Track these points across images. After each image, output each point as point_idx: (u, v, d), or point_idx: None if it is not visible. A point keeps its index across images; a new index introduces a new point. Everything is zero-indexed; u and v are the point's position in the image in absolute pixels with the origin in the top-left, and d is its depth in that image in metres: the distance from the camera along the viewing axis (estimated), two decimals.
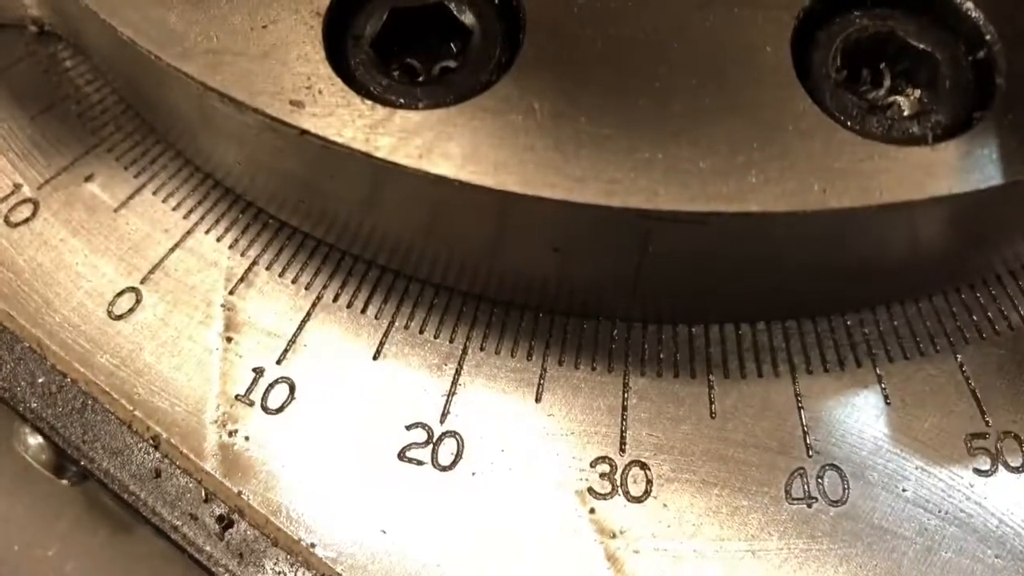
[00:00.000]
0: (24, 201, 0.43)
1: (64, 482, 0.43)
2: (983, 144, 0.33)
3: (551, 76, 0.34)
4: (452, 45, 0.37)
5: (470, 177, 0.33)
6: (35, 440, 0.41)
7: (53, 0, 0.44)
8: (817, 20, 0.36)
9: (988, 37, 0.35)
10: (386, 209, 0.38)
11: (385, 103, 0.35)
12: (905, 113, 0.36)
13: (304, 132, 0.35)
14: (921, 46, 0.36)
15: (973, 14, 0.35)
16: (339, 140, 0.34)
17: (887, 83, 0.37)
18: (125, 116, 0.45)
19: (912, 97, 0.37)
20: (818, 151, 0.33)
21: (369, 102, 0.35)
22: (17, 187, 0.43)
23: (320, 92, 0.35)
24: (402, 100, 0.35)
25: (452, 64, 0.37)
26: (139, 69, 0.39)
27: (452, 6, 0.36)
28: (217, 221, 0.42)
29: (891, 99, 0.37)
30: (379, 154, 0.33)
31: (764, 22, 0.35)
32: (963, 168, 0.33)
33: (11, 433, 0.43)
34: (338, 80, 0.35)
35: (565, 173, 0.33)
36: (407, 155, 0.34)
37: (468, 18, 0.36)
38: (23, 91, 0.46)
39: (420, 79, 0.37)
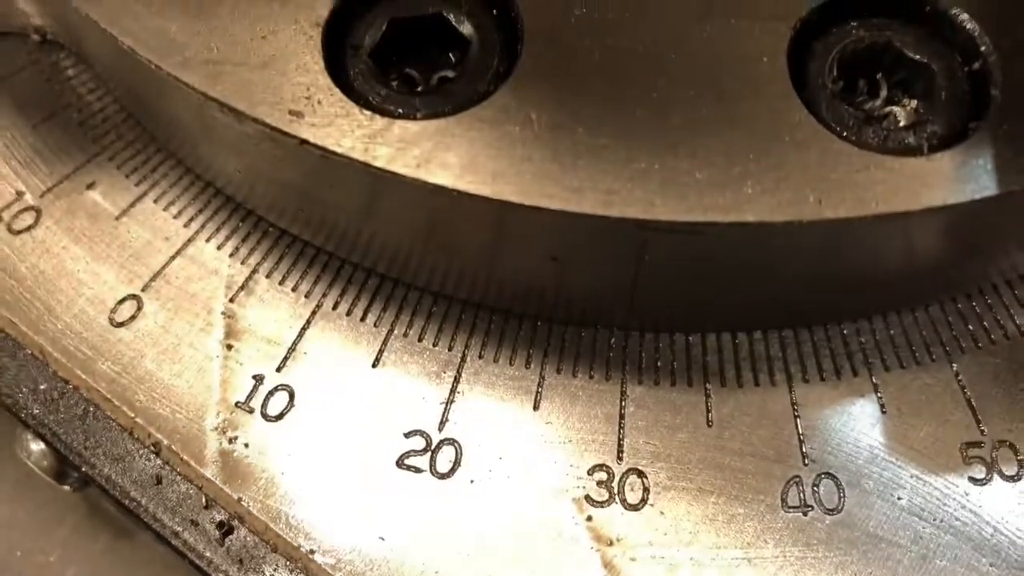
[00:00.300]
0: (26, 209, 0.43)
1: (66, 488, 0.43)
2: (978, 155, 0.34)
3: (549, 87, 0.34)
4: (450, 55, 0.38)
5: (468, 187, 0.33)
6: (37, 446, 0.42)
7: (56, 10, 0.44)
8: (814, 31, 0.36)
9: (983, 49, 0.35)
10: (385, 218, 0.38)
11: (384, 113, 0.35)
12: (901, 123, 0.36)
13: (304, 142, 0.35)
14: (917, 57, 0.36)
15: (969, 26, 0.36)
16: (338, 150, 0.34)
17: (883, 93, 0.37)
18: (126, 125, 0.45)
19: (908, 107, 0.37)
20: (814, 162, 0.33)
21: (368, 112, 0.35)
22: (19, 195, 0.43)
23: (319, 102, 0.35)
24: (401, 110, 0.35)
25: (450, 74, 0.37)
26: (140, 78, 0.40)
27: (451, 16, 0.36)
28: (218, 229, 0.42)
29: (887, 109, 0.37)
30: (378, 164, 0.34)
31: (761, 33, 0.35)
32: (958, 179, 0.33)
33: (13, 439, 0.43)
34: (337, 90, 0.35)
35: (563, 183, 0.33)
36: (405, 165, 0.34)
37: (466, 28, 0.36)
38: (25, 99, 0.46)
39: (419, 89, 0.38)
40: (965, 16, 0.36)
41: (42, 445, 0.41)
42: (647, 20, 0.35)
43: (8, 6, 0.46)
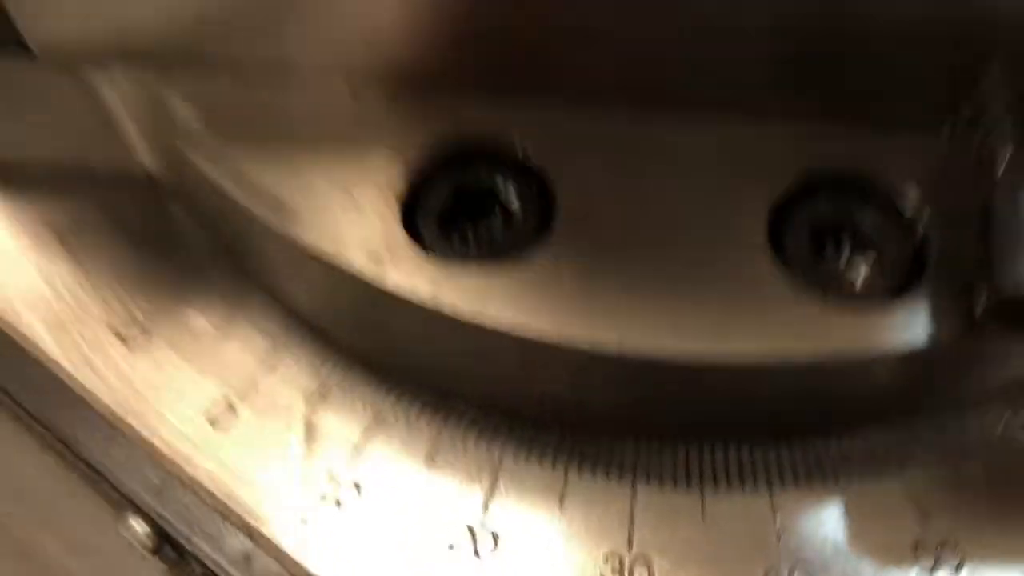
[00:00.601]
0: (137, 327, 0.50)
1: (160, 561, 0.51)
2: (920, 308, 0.42)
3: (577, 249, 0.42)
4: (499, 218, 0.45)
5: (509, 327, 0.42)
6: (140, 527, 0.49)
7: (166, 156, 0.52)
8: (789, 204, 0.44)
9: (924, 220, 0.44)
10: (438, 346, 0.46)
11: (446, 262, 0.43)
12: (859, 280, 0.44)
13: (380, 287, 0.43)
14: (872, 225, 0.44)
15: (911, 201, 0.44)
16: (410, 295, 0.42)
17: (846, 254, 0.45)
18: (220, 256, 0.52)
19: (865, 266, 0.44)
20: (789, 313, 0.41)
21: (434, 261, 0.43)
22: (131, 315, 0.51)
23: (394, 252, 0.43)
24: (459, 260, 0.43)
25: (498, 232, 0.45)
26: (237, 221, 0.47)
27: (500, 189, 0.45)
28: (299, 347, 0.49)
29: (849, 266, 0.44)
30: (443, 308, 0.42)
31: (747, 208, 0.43)
32: (905, 327, 0.41)
33: (117, 519, 0.50)
34: (409, 241, 0.43)
35: (585, 327, 0.41)
36: (464, 308, 0.42)
37: (512, 199, 0.44)
38: (133, 229, 0.54)
39: (473, 243, 0.45)
40: (911, 192, 0.44)
41: (145, 526, 0.49)
42: (659, 197, 0.43)
43: (119, 147, 0.55)
